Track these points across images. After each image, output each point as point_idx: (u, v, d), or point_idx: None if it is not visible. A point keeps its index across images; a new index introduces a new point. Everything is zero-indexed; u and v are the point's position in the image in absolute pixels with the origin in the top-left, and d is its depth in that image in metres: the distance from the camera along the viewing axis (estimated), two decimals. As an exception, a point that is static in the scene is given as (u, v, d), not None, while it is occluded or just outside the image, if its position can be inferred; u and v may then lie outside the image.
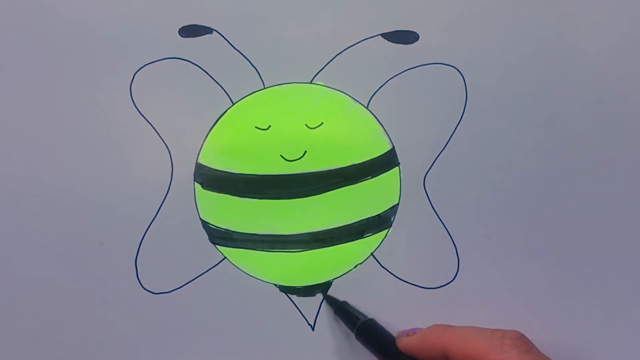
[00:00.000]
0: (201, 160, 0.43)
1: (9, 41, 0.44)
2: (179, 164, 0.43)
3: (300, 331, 0.43)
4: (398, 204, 0.44)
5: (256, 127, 0.43)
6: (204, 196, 0.43)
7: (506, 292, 0.43)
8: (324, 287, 0.43)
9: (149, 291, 0.43)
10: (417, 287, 0.43)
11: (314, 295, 0.43)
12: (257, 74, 0.44)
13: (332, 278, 0.43)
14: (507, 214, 0.44)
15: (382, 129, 0.44)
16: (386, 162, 0.44)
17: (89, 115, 0.43)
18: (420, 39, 0.44)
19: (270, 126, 0.43)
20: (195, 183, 0.43)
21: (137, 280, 0.43)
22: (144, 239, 0.43)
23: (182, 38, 0.44)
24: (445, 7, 0.44)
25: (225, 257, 0.43)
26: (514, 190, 0.44)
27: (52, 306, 0.42)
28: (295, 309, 0.43)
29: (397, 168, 0.44)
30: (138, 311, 0.42)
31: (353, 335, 0.41)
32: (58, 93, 0.43)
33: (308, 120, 0.43)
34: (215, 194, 0.43)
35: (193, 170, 0.43)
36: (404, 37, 0.44)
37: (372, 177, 0.43)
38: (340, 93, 0.44)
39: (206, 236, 0.43)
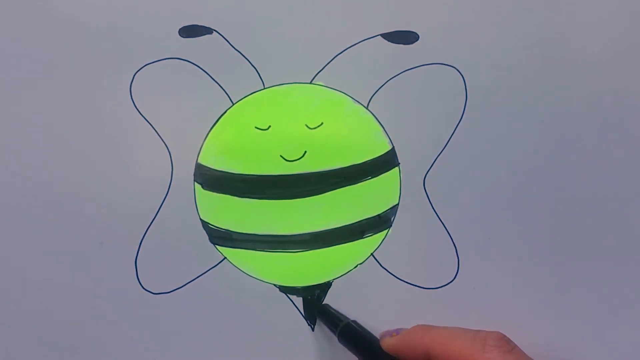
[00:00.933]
0: (201, 161, 0.43)
1: (9, 41, 0.44)
2: (179, 164, 0.43)
3: (300, 331, 0.43)
4: (398, 204, 0.44)
5: (256, 127, 0.43)
6: (204, 196, 0.43)
7: (506, 292, 0.43)
8: (324, 287, 0.43)
9: (149, 291, 0.43)
10: (417, 287, 0.43)
11: (314, 295, 0.43)
12: (257, 74, 0.44)
13: (332, 278, 0.43)
14: (507, 214, 0.44)
15: (382, 129, 0.44)
16: (386, 162, 0.44)
17: (89, 115, 0.43)
18: (420, 39, 0.44)
19: (270, 126, 0.43)
20: (195, 183, 0.43)
21: (137, 280, 0.43)
22: (144, 239, 0.43)
23: (182, 38, 0.44)
24: (445, 7, 0.44)
25: (225, 258, 0.43)
26: (514, 190, 0.44)
27: (52, 306, 0.42)
28: (295, 309, 0.43)
29: (397, 168, 0.44)
30: (138, 311, 0.42)
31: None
32: (58, 93, 0.43)
33: (308, 121, 0.43)
34: (215, 194, 0.43)
35: (193, 171, 0.43)
36: (404, 37, 0.44)
37: (372, 177, 0.43)
38: (340, 93, 0.44)
39: (206, 236, 0.43)
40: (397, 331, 0.39)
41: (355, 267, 0.43)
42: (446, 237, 0.43)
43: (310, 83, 0.44)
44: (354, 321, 0.41)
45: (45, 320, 0.42)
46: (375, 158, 0.43)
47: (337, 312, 0.42)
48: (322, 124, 0.43)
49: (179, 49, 0.44)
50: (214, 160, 0.43)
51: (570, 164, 0.44)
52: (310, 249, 0.43)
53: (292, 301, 0.43)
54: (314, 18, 0.44)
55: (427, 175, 0.44)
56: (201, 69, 0.44)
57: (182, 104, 0.44)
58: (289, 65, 0.44)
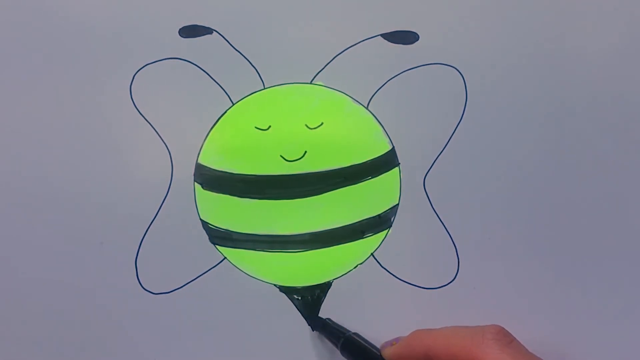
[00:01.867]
0: (201, 161, 0.43)
1: (9, 41, 0.44)
2: (179, 164, 0.43)
3: (300, 331, 0.43)
4: (398, 204, 0.44)
5: (256, 127, 0.43)
6: (204, 196, 0.43)
7: (506, 292, 0.43)
8: (324, 287, 0.43)
9: (149, 291, 0.43)
10: (417, 287, 0.43)
11: (314, 295, 0.43)
12: (257, 74, 0.44)
13: (332, 278, 0.43)
14: (507, 214, 0.44)
15: (382, 129, 0.44)
16: (386, 162, 0.44)
17: (89, 115, 0.43)
18: (420, 39, 0.44)
19: (270, 126, 0.43)
20: (195, 183, 0.43)
21: (137, 280, 0.43)
22: (144, 239, 0.43)
23: (182, 38, 0.44)
24: (445, 7, 0.44)
25: (225, 258, 0.43)
26: (514, 190, 0.44)
27: (52, 306, 0.42)
28: (295, 309, 0.43)
29: (397, 168, 0.44)
30: (138, 311, 0.42)
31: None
32: (58, 93, 0.43)
33: (308, 121, 0.43)
34: (215, 194, 0.43)
35: (193, 171, 0.43)
36: (404, 37, 0.44)
37: (372, 177, 0.43)
38: (341, 93, 0.44)
39: (206, 236, 0.43)
40: (397, 339, 0.39)
41: (355, 267, 0.43)
42: (446, 237, 0.43)
43: (311, 83, 0.44)
44: (355, 333, 0.41)
45: (45, 320, 0.42)
46: (375, 158, 0.43)
47: (338, 325, 0.42)
48: (322, 124, 0.43)
49: (179, 49, 0.44)
50: (214, 160, 0.43)
51: (570, 164, 0.44)
52: (310, 249, 0.43)
53: (292, 301, 0.43)
54: (314, 18, 0.44)
55: (427, 175, 0.44)
56: (201, 69, 0.44)
57: (182, 104, 0.44)
58: (289, 65, 0.44)
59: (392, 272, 0.43)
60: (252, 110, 0.44)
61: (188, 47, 0.44)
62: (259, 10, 0.44)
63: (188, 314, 0.43)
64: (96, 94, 0.43)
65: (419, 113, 0.44)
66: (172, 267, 0.43)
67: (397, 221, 0.43)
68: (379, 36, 0.44)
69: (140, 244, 0.43)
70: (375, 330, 0.42)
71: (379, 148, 0.44)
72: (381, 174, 0.43)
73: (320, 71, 0.44)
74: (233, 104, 0.44)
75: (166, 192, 0.43)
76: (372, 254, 0.43)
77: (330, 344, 0.42)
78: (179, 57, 0.44)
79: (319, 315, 0.43)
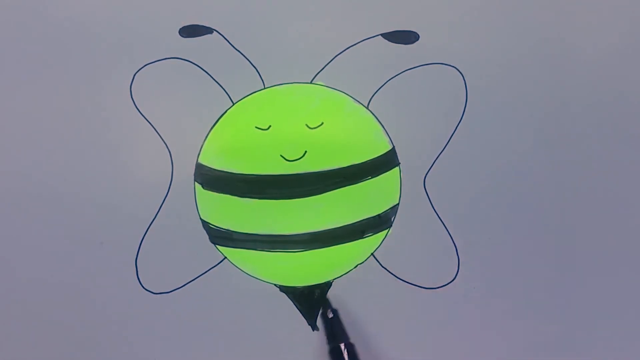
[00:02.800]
0: (201, 160, 0.43)
1: (9, 41, 0.44)
2: (179, 164, 0.43)
3: (300, 331, 0.43)
4: (398, 204, 0.44)
5: (256, 127, 0.43)
6: (204, 196, 0.43)
7: (506, 292, 0.43)
8: (324, 287, 0.43)
9: (149, 291, 0.43)
10: (417, 287, 0.43)
11: (314, 295, 0.43)
12: (258, 74, 0.44)
13: (332, 278, 0.43)
14: (507, 214, 0.44)
15: (382, 129, 0.44)
16: (386, 162, 0.44)
17: (89, 115, 0.43)
18: (420, 39, 0.44)
19: (270, 126, 0.43)
20: (196, 183, 0.43)
21: (137, 280, 0.42)
22: (144, 239, 0.43)
23: (183, 38, 0.44)
24: (445, 7, 0.44)
25: (225, 257, 0.43)
26: (514, 190, 0.44)
27: (52, 306, 0.42)
28: (295, 309, 0.43)
29: (397, 168, 0.44)
30: (138, 311, 0.42)
31: (353, 336, 0.40)
32: (58, 93, 0.43)
33: (308, 120, 0.43)
34: (215, 194, 0.43)
35: (193, 171, 0.43)
36: (404, 37, 0.44)
37: (372, 177, 0.43)
38: (341, 93, 0.44)
39: (206, 236, 0.43)
40: None
41: (355, 267, 0.43)
42: (446, 237, 0.43)
43: (311, 83, 0.44)
44: (349, 344, 0.41)
45: (45, 320, 0.42)
46: (375, 158, 0.43)
47: (340, 327, 0.42)
48: (322, 123, 0.43)
49: (179, 49, 0.44)
50: (214, 160, 0.43)
51: (571, 164, 0.44)
52: (311, 249, 0.43)
53: (292, 301, 0.43)
54: (314, 18, 0.44)
55: (428, 175, 0.44)
56: (201, 68, 0.44)
57: (182, 104, 0.44)
58: (289, 65, 0.44)
59: (392, 272, 0.43)
60: (252, 110, 0.44)
61: (188, 46, 0.44)
62: (259, 10, 0.44)
63: (188, 314, 0.43)
64: (96, 94, 0.43)
65: (419, 113, 0.44)
66: (173, 267, 0.43)
67: (397, 221, 0.43)
68: (379, 36, 0.44)
69: (141, 244, 0.43)
70: (375, 330, 0.42)
71: (379, 148, 0.44)
72: (381, 173, 0.43)
73: (320, 71, 0.44)
74: (233, 104, 0.44)
75: (166, 192, 0.43)
76: (372, 254, 0.43)
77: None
78: (179, 56, 0.44)
79: (318, 319, 0.43)
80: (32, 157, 0.43)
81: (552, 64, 0.44)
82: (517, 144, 0.44)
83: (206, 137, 0.43)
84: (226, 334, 0.43)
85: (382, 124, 0.44)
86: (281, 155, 0.43)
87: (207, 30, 0.44)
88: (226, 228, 0.43)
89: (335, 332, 0.42)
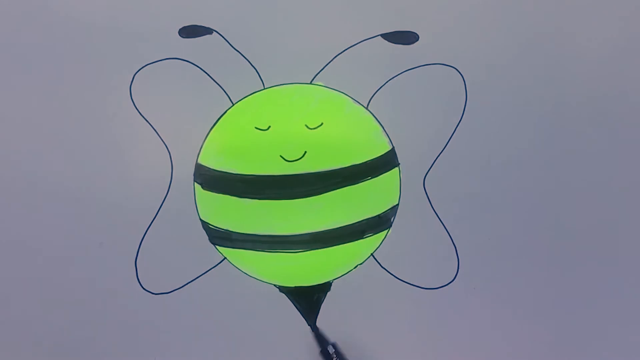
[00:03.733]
0: (201, 161, 0.43)
1: (9, 42, 0.44)
2: (179, 164, 0.43)
3: (300, 331, 0.43)
4: (398, 204, 0.44)
5: (256, 128, 0.43)
6: (203, 196, 0.43)
7: (506, 292, 0.43)
8: (323, 287, 0.43)
9: (149, 291, 0.43)
10: (417, 287, 0.43)
11: (314, 295, 0.43)
12: (257, 75, 0.44)
13: (332, 278, 0.43)
14: (507, 214, 0.44)
15: (382, 129, 0.44)
16: (386, 162, 0.44)
17: (89, 115, 0.43)
18: (420, 39, 0.44)
19: (270, 126, 0.43)
20: (195, 183, 0.43)
21: (137, 281, 0.43)
22: (144, 239, 0.43)
23: (182, 38, 0.44)
24: (445, 7, 0.44)
25: (225, 258, 0.43)
26: (514, 191, 0.44)
27: (52, 306, 0.42)
28: (295, 309, 0.43)
29: (397, 168, 0.44)
30: (138, 311, 0.42)
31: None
32: (58, 93, 0.43)
33: (308, 121, 0.43)
34: (215, 194, 0.43)
35: (193, 171, 0.43)
36: (404, 37, 0.44)
37: (372, 178, 0.43)
38: (340, 93, 0.44)
39: (206, 236, 0.43)
40: None
41: (355, 267, 0.43)
42: (446, 237, 0.43)
43: (310, 83, 0.44)
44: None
45: (45, 320, 0.42)
46: (375, 158, 0.43)
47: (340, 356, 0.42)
48: (322, 124, 0.43)
49: (179, 50, 0.44)
50: (213, 160, 0.43)
51: (570, 164, 0.44)
52: (310, 249, 0.43)
53: (292, 301, 0.43)
54: (314, 18, 0.44)
55: (427, 175, 0.44)
56: (201, 69, 0.43)
57: (182, 104, 0.44)
58: (289, 65, 0.44)
59: (392, 272, 0.43)
60: (252, 110, 0.44)
61: (188, 47, 0.44)
62: (259, 11, 0.44)
63: (188, 314, 0.43)
64: (96, 94, 0.43)
65: (419, 113, 0.44)
66: (172, 267, 0.43)
67: (397, 221, 0.43)
68: (379, 36, 0.44)
69: (140, 244, 0.43)
70: (375, 330, 0.42)
71: (378, 148, 0.44)
72: (381, 174, 0.43)
73: (320, 71, 0.44)
74: (233, 104, 0.44)
75: (166, 192, 0.43)
76: (372, 254, 0.43)
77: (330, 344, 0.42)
78: (179, 57, 0.44)
79: (318, 319, 0.43)
80: (32, 157, 0.43)
81: (551, 64, 0.44)
82: (516, 144, 0.44)
83: (206, 137, 0.43)
84: (226, 334, 0.43)
85: (382, 124, 0.44)
86: (281, 156, 0.43)
87: (207, 31, 0.44)
88: (226, 228, 0.43)
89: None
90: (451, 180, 0.44)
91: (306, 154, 0.43)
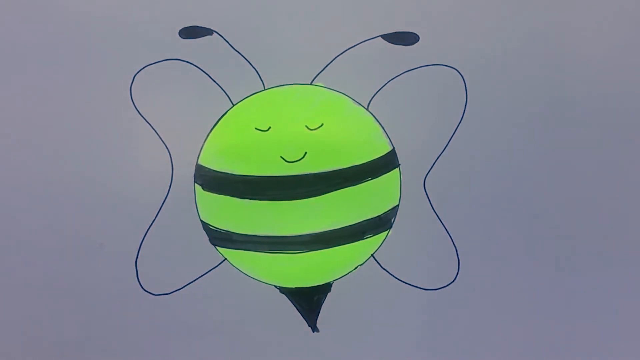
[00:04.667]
0: (201, 162, 0.43)
1: (9, 42, 0.44)
2: (179, 165, 0.43)
3: (300, 332, 0.43)
4: (398, 205, 0.44)
5: (256, 129, 0.43)
6: (204, 197, 0.43)
7: (505, 293, 0.43)
8: (324, 288, 0.43)
9: (149, 292, 0.43)
10: (417, 288, 0.43)
11: (314, 296, 0.43)
12: (257, 75, 0.44)
13: (333, 279, 0.43)
14: (507, 214, 0.44)
15: (382, 130, 0.44)
16: (386, 163, 0.44)
17: (90, 115, 0.43)
18: (420, 40, 0.44)
19: (270, 127, 0.43)
20: (196, 184, 0.43)
21: (138, 281, 0.43)
22: (144, 240, 0.43)
23: (183, 39, 0.44)
24: (445, 8, 0.44)
25: (225, 259, 0.43)
26: (514, 191, 0.44)
27: (52, 306, 0.42)
28: (295, 309, 0.43)
29: (397, 169, 0.44)
30: (138, 312, 0.42)
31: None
32: (58, 94, 0.43)
33: (308, 122, 0.43)
34: (215, 195, 0.43)
35: (193, 172, 0.43)
36: (404, 38, 0.44)
37: (372, 178, 0.43)
38: (341, 94, 0.44)
39: (206, 237, 0.43)
40: None
41: (355, 268, 0.43)
42: (446, 237, 0.43)
43: (311, 84, 0.44)
44: None
45: (45, 320, 0.42)
46: (375, 159, 0.43)
47: None
48: (322, 125, 0.43)
49: (179, 50, 0.44)
50: (214, 161, 0.43)
51: (570, 164, 0.44)
52: (311, 250, 0.43)
53: (292, 302, 0.43)
54: (314, 18, 0.44)
55: (427, 176, 0.44)
56: (201, 70, 0.43)
57: (183, 105, 0.44)
58: (289, 66, 0.44)
59: (392, 273, 0.43)
60: (252, 111, 0.44)
61: (188, 48, 0.44)
62: (259, 11, 0.44)
63: (188, 315, 0.43)
64: (96, 95, 0.43)
65: (419, 114, 0.44)
66: (173, 268, 0.43)
67: (398, 222, 0.43)
68: (379, 37, 0.44)
69: (141, 245, 0.43)
70: (375, 331, 0.42)
71: (379, 149, 0.44)
72: (381, 174, 0.43)
73: (320, 72, 0.44)
74: (233, 105, 0.44)
75: (166, 193, 0.43)
76: (372, 255, 0.43)
77: (330, 345, 0.42)
78: (179, 58, 0.44)
79: (319, 320, 0.43)
80: (32, 158, 0.43)
81: (551, 64, 0.44)
82: (516, 145, 0.44)
83: (206, 138, 0.43)
84: (226, 335, 0.43)
85: (382, 125, 0.44)
86: (281, 157, 0.43)
87: (207, 32, 0.44)
88: (226, 229, 0.43)
89: None
90: (451, 181, 0.44)
91: (306, 154, 0.43)
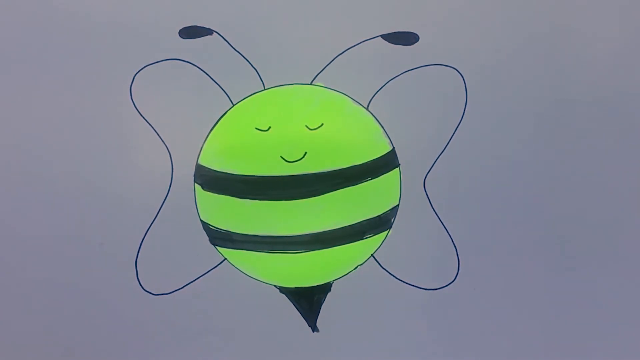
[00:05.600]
0: (201, 162, 0.43)
1: (10, 42, 0.44)
2: (179, 165, 0.43)
3: (300, 332, 0.43)
4: (398, 205, 0.44)
5: (256, 128, 0.43)
6: (204, 197, 0.43)
7: (506, 292, 0.43)
8: (324, 288, 0.43)
9: (149, 292, 0.43)
10: (417, 288, 0.43)
11: (314, 296, 0.43)
12: (257, 75, 0.44)
13: (333, 279, 0.43)
14: (507, 214, 0.44)
15: (382, 130, 0.44)
16: (386, 163, 0.44)
17: (90, 115, 0.43)
18: (420, 40, 0.44)
19: (270, 127, 0.43)
20: (196, 184, 0.43)
21: (138, 281, 0.43)
22: (144, 240, 0.43)
23: (183, 39, 0.44)
24: (445, 8, 0.44)
25: (225, 259, 0.43)
26: (514, 191, 0.44)
27: (52, 306, 0.42)
28: (295, 309, 0.43)
29: (397, 169, 0.44)
30: (138, 312, 0.42)
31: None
32: (58, 94, 0.43)
33: (308, 122, 0.43)
34: (215, 195, 0.43)
35: (193, 171, 0.43)
36: (404, 38, 0.44)
37: (372, 178, 0.43)
38: (341, 94, 0.44)
39: (206, 237, 0.43)
40: None
41: (355, 268, 0.43)
42: (446, 237, 0.43)
43: (311, 84, 0.44)
44: None
45: (45, 320, 0.42)
46: (375, 159, 0.43)
47: None
48: (322, 124, 0.43)
49: (179, 50, 0.44)
50: (214, 161, 0.43)
51: (571, 164, 0.44)
52: (311, 250, 0.43)
53: (292, 302, 0.43)
54: (314, 18, 0.44)
55: (428, 176, 0.44)
56: (201, 70, 0.43)
57: (183, 105, 0.44)
58: (289, 66, 0.44)
59: (392, 272, 0.43)
60: (252, 111, 0.44)
61: (188, 48, 0.44)
62: (259, 11, 0.44)
63: (188, 315, 0.43)
64: (96, 95, 0.43)
65: (419, 114, 0.44)
66: (173, 268, 0.43)
67: (398, 222, 0.43)
68: (379, 37, 0.44)
69: (141, 245, 0.43)
70: (375, 331, 0.42)
71: (379, 149, 0.44)
72: (381, 174, 0.43)
73: (320, 72, 0.44)
74: (233, 105, 0.44)
75: (166, 193, 0.43)
76: (372, 255, 0.43)
77: (330, 344, 0.42)
78: (179, 58, 0.44)
79: (319, 320, 0.43)
80: (32, 158, 0.43)
81: (551, 64, 0.44)
82: (517, 144, 0.44)
83: (206, 138, 0.43)
84: (226, 335, 0.43)
85: (382, 125, 0.44)
86: (281, 157, 0.43)
87: (207, 32, 0.44)
88: (226, 229, 0.43)
89: None
90: (451, 180, 0.44)
91: (306, 154, 0.43)
